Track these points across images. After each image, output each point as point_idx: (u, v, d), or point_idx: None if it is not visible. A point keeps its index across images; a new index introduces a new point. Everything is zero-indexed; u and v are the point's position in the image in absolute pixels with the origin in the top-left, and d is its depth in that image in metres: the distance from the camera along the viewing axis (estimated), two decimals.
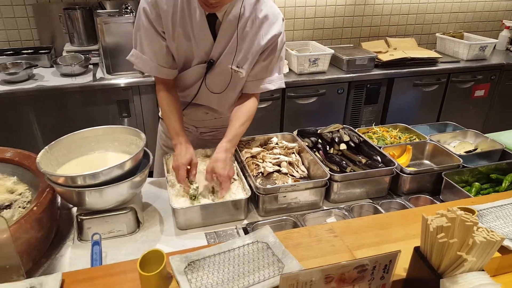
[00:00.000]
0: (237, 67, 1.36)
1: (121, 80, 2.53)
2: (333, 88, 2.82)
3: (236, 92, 1.46)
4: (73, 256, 1.08)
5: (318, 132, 1.59)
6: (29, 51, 2.72)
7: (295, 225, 1.22)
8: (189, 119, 1.58)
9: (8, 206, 1.15)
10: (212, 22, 1.29)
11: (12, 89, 2.33)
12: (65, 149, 1.25)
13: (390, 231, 0.92)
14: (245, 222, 1.25)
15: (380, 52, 3.05)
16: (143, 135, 1.25)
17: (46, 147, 1.19)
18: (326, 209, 1.30)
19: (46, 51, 2.70)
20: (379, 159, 1.39)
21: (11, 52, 2.70)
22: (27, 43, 2.82)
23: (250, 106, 1.44)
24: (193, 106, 1.50)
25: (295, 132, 1.60)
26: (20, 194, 1.23)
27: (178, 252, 0.81)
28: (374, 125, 1.69)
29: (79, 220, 1.15)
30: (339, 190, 1.32)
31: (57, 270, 1.03)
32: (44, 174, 1.10)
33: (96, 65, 2.73)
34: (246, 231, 1.19)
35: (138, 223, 1.22)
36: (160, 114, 1.65)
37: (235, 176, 1.36)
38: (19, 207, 1.16)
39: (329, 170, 1.30)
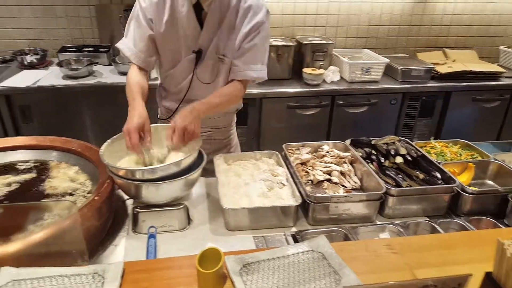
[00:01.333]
0: (223, 55, 1.44)
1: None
2: (386, 99, 2.75)
3: (225, 81, 1.51)
4: (128, 247, 1.12)
5: (372, 142, 1.56)
6: (90, 49, 2.88)
7: (346, 237, 1.20)
8: None
9: (71, 194, 1.22)
10: (199, 12, 1.38)
11: (73, 84, 2.47)
12: (125, 143, 1.30)
13: (454, 253, 0.88)
14: (294, 229, 1.24)
15: (437, 63, 2.93)
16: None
17: (109, 140, 1.26)
18: (379, 224, 1.26)
19: (106, 49, 2.84)
20: (438, 176, 1.33)
21: (74, 49, 2.87)
22: (88, 41, 2.99)
23: (230, 87, 1.45)
24: (186, 103, 1.52)
25: (347, 141, 1.57)
26: (81, 183, 1.30)
27: (231, 252, 0.82)
28: (433, 140, 1.62)
29: (135, 212, 1.20)
30: (395, 205, 1.28)
31: (111, 259, 1.08)
32: (107, 165, 1.16)
33: None
34: (295, 239, 1.18)
35: (188, 220, 1.25)
36: (158, 115, 1.71)
37: (285, 182, 1.35)
38: (80, 196, 1.23)
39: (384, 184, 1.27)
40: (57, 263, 0.79)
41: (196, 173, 1.22)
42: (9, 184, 1.25)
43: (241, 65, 1.44)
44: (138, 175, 1.15)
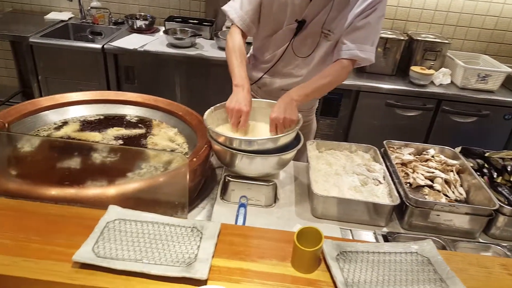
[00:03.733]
0: (328, 30, 1.38)
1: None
2: (499, 112, 2.48)
3: (321, 58, 1.45)
4: (215, 211, 1.16)
5: (486, 155, 1.41)
6: (195, 21, 3.02)
7: (443, 249, 1.11)
8: (261, 93, 1.58)
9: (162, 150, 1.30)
10: None
11: (176, 53, 2.62)
12: (224, 112, 1.34)
13: None
14: (385, 230, 1.18)
15: None
16: (299, 116, 1.26)
17: (212, 107, 1.31)
18: (483, 242, 1.15)
19: (209, 24, 2.96)
20: None
21: (180, 19, 3.03)
22: (194, 13, 3.13)
23: (335, 66, 1.39)
24: (270, 76, 1.52)
25: (457, 149, 1.45)
26: (179, 144, 1.37)
27: (328, 237, 0.80)
28: None
29: (226, 180, 1.24)
30: (504, 226, 1.16)
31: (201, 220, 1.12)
32: (208, 130, 1.20)
33: (249, 43, 2.89)
34: (386, 240, 1.12)
35: (275, 199, 1.26)
36: None
37: (381, 179, 1.29)
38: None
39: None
40: (159, 211, 0.84)
41: (291, 153, 1.22)
42: (119, 137, 1.36)
43: (350, 43, 1.37)
44: (235, 144, 1.18)
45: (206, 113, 1.27)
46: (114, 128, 1.40)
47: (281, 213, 1.21)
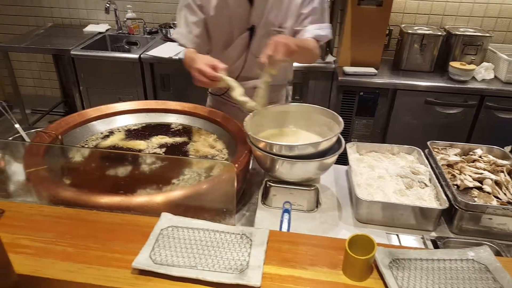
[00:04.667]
0: (279, 27, 1.45)
1: (302, 64, 2.63)
2: None
3: None
4: (258, 217, 1.18)
5: None
6: None
7: (497, 255, 1.07)
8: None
9: (211, 159, 1.33)
10: None
11: None
12: (264, 118, 1.36)
13: None
14: (433, 234, 1.15)
15: None
16: (340, 119, 1.26)
17: (251, 113, 1.32)
18: None
19: None
20: None
21: None
22: None
23: (309, 42, 1.43)
24: (242, 81, 1.54)
25: (507, 148, 1.39)
26: (219, 150, 1.40)
27: (379, 244, 0.79)
28: None
29: (267, 185, 1.25)
30: None
31: (242, 225, 1.14)
32: (249, 136, 1.22)
33: None
34: (435, 245, 1.10)
35: (317, 203, 1.26)
36: (209, 90, 1.75)
37: (427, 182, 1.26)
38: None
39: None
40: (207, 218, 0.87)
41: (332, 158, 1.21)
42: (162, 145, 1.40)
43: (309, 26, 1.45)
44: (275, 149, 1.19)
45: (246, 119, 1.28)
46: (158, 136, 1.45)
47: (324, 218, 1.21)
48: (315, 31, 1.45)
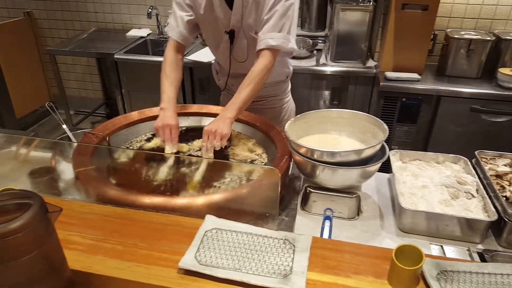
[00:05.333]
0: (255, 32, 1.51)
1: (341, 68, 2.61)
2: None
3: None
4: (298, 223, 1.19)
5: None
6: None
7: None
8: (234, 90, 1.65)
9: (251, 163, 1.35)
10: None
11: None
12: (306, 123, 1.37)
13: None
14: (480, 247, 1.12)
15: None
16: (385, 126, 1.25)
17: (293, 118, 1.33)
18: None
19: None
20: None
21: None
22: None
23: (257, 64, 1.45)
24: (232, 77, 1.71)
25: None
26: (258, 155, 1.42)
27: (427, 255, 0.78)
28: None
29: (307, 191, 1.25)
30: None
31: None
32: (290, 141, 1.23)
33: (319, 51, 2.89)
34: (482, 258, 1.06)
35: (358, 211, 1.25)
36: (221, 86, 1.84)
37: (474, 193, 1.23)
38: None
39: None
40: (250, 222, 0.88)
41: (376, 165, 1.20)
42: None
43: (261, 34, 1.46)
44: (317, 156, 1.19)
45: (287, 124, 1.30)
46: (199, 140, 1.49)
47: (365, 226, 1.20)
48: (266, 40, 1.44)
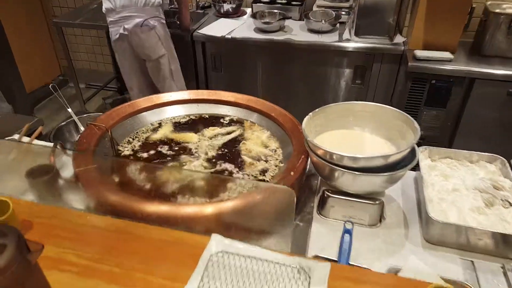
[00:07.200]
0: None
1: (367, 44, 2.45)
2: None
3: None
4: (314, 231, 1.11)
5: None
6: (283, 1, 2.91)
7: None
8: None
9: (265, 161, 1.27)
10: None
11: (263, 38, 2.57)
12: (325, 118, 1.27)
13: None
14: None
15: None
16: (416, 125, 1.13)
17: (311, 113, 1.23)
18: None
19: (299, 3, 2.83)
20: None
21: (267, 0, 2.95)
22: None
23: None
24: None
25: None
26: (272, 150, 1.33)
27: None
28: None
29: (324, 195, 1.17)
30: None
31: (296, 237, 1.08)
32: (308, 141, 1.13)
33: (342, 24, 2.71)
34: None
35: (380, 218, 1.16)
36: None
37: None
38: (273, 165, 1.26)
39: None
40: (260, 239, 0.81)
41: (403, 171, 1.10)
42: (214, 136, 1.39)
43: None
44: (336, 159, 1.09)
45: (305, 121, 1.20)
46: (210, 128, 1.41)
47: (388, 236, 1.11)
48: None
